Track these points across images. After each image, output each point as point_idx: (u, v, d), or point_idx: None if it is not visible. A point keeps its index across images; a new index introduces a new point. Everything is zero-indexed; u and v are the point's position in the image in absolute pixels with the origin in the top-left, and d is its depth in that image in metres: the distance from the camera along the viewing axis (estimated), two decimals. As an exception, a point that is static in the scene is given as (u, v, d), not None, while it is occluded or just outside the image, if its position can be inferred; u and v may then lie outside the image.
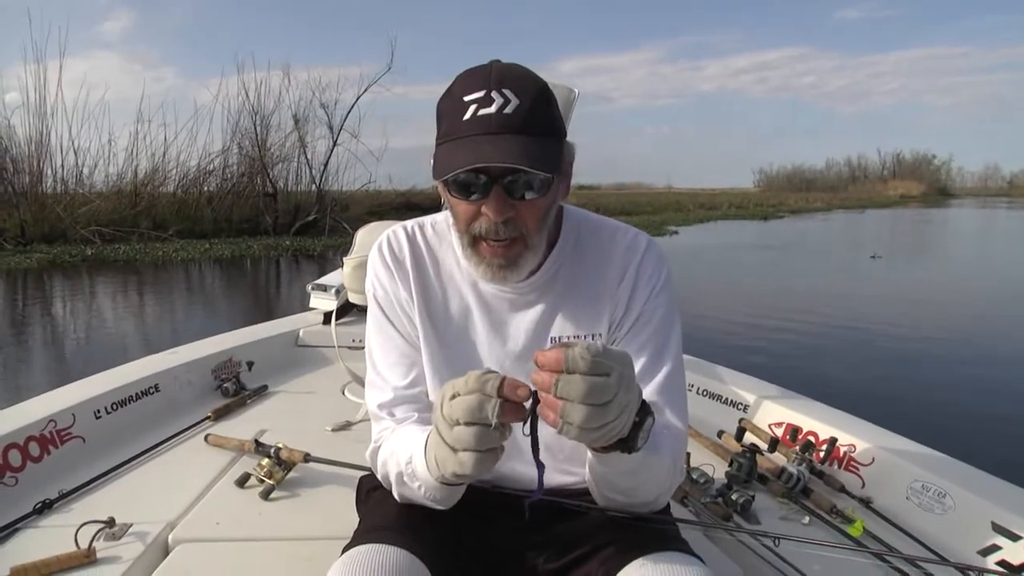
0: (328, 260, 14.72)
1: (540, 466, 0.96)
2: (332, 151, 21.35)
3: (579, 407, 0.86)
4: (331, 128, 21.28)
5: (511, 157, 1.01)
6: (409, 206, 20.53)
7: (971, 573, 1.52)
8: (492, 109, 1.03)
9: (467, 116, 1.05)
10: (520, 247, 1.13)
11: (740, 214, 38.58)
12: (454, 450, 0.93)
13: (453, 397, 0.92)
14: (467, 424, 0.90)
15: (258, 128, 20.62)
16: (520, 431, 0.93)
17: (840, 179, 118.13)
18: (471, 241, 1.14)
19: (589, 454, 1.08)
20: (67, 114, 19.29)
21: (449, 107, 1.08)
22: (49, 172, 17.78)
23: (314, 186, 21.21)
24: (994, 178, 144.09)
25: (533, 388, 0.90)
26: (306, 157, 21.31)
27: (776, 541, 1.18)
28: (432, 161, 1.10)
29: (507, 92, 1.04)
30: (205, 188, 20.24)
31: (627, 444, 0.96)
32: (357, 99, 21.04)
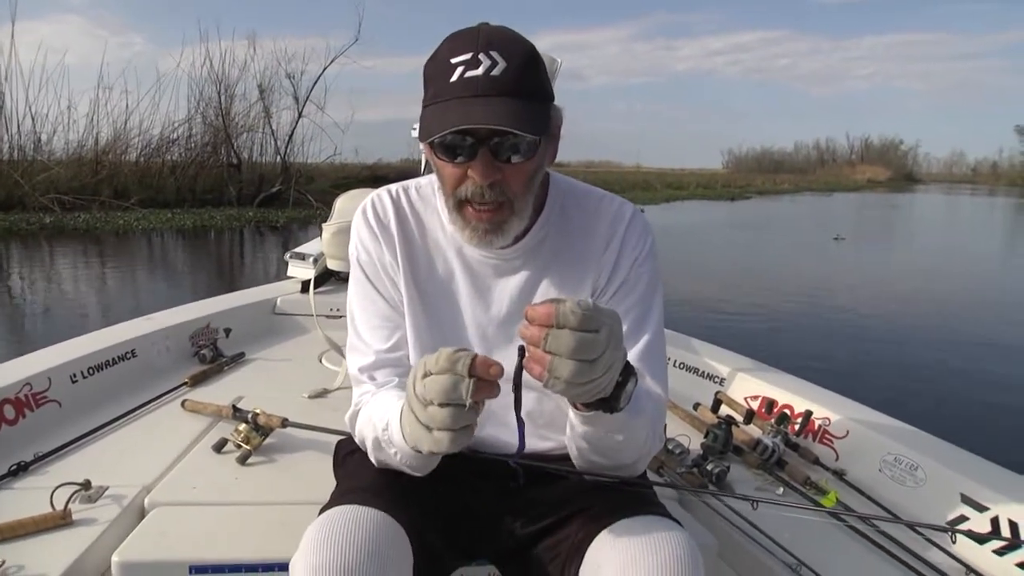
0: (292, 232, 14.60)
1: (520, 423, 0.96)
2: (297, 122, 21.30)
3: (567, 362, 0.86)
4: (296, 99, 21.21)
5: (497, 118, 1.01)
6: (375, 179, 20.36)
7: (937, 535, 1.56)
8: (479, 71, 1.02)
9: (454, 78, 1.03)
10: (506, 212, 1.12)
11: (707, 194, 38.81)
12: (428, 429, 0.92)
13: (425, 376, 0.90)
14: (441, 405, 0.89)
15: (222, 98, 20.41)
16: (501, 396, 0.92)
17: (808, 162, 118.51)
18: (457, 205, 1.14)
19: (571, 414, 1.08)
20: (23, 78, 18.73)
21: (436, 69, 1.07)
22: (5, 137, 17.44)
23: (279, 157, 21.03)
24: (959, 164, 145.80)
25: (513, 357, 0.91)
26: (271, 128, 21.20)
27: (754, 505, 1.20)
28: (418, 124, 1.09)
29: (495, 54, 1.03)
30: (168, 157, 19.95)
31: (609, 404, 0.97)
32: (323, 70, 20.93)
